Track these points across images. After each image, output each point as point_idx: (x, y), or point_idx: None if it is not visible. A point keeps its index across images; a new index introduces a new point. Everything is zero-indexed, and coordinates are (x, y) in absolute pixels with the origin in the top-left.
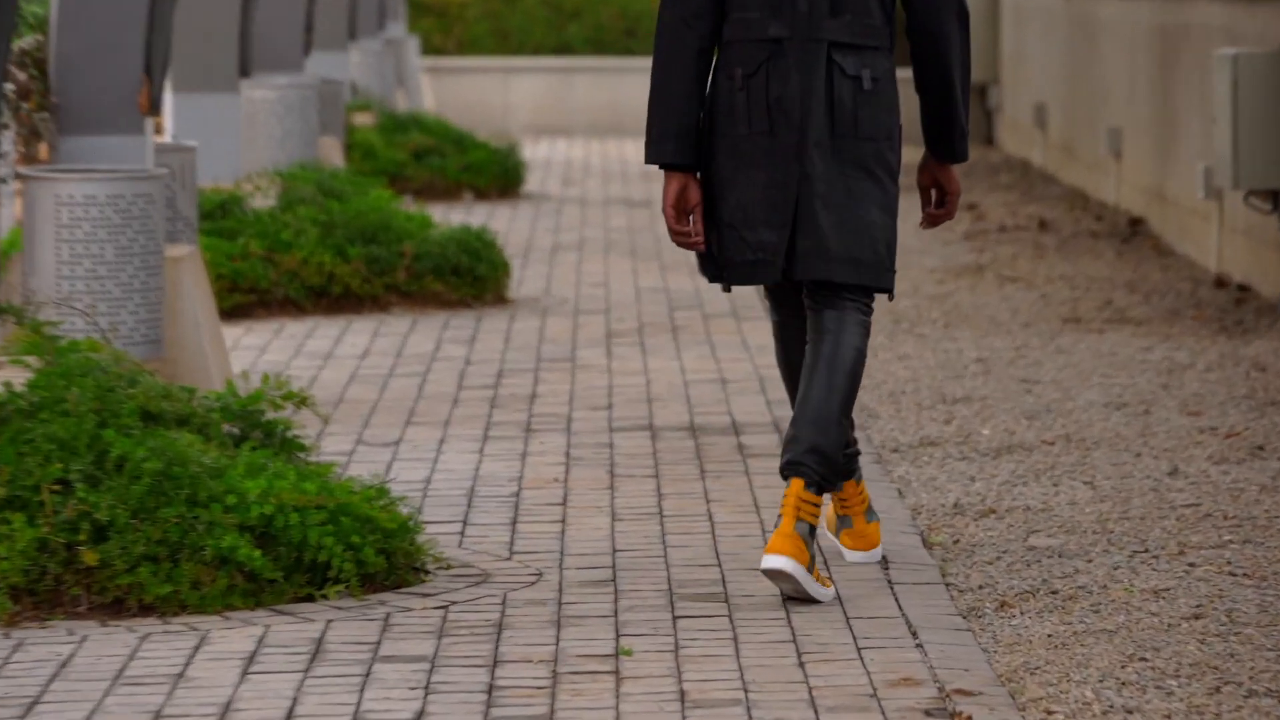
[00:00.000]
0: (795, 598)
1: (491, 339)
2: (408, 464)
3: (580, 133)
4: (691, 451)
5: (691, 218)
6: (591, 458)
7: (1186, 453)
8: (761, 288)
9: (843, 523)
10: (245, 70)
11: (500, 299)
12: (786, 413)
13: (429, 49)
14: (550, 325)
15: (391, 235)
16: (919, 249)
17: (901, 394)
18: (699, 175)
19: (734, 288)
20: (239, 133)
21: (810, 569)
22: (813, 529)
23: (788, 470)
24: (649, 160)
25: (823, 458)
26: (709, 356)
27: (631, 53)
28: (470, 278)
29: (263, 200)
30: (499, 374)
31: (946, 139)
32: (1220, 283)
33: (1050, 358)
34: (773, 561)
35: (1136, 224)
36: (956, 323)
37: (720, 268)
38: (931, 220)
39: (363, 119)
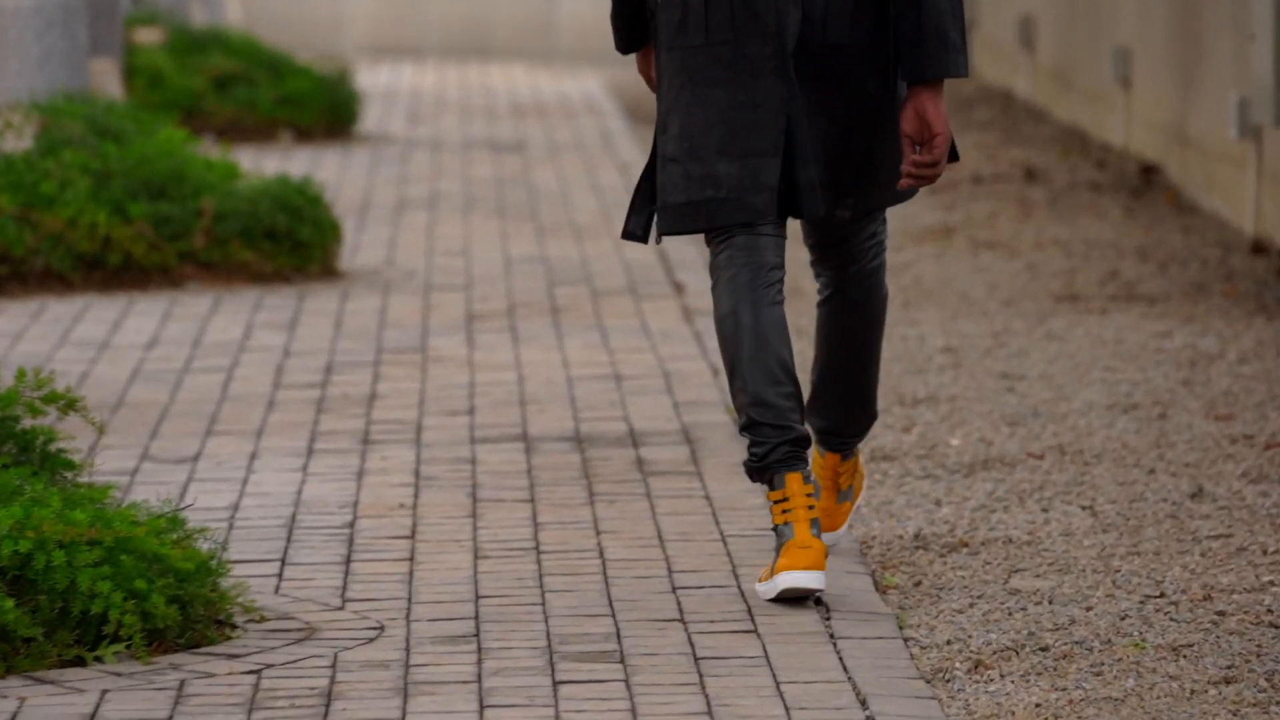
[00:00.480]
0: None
1: (318, 323)
2: (209, 486)
3: (432, 54)
4: (576, 468)
5: None
6: (448, 477)
7: (1214, 468)
8: (724, 248)
9: (780, 535)
10: None
11: (329, 271)
12: (699, 418)
13: None
14: (394, 305)
15: (186, 189)
16: None
17: None
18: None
19: (665, 239)
20: None
21: None
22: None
23: (827, 440)
24: (619, 49)
25: (867, 424)
26: (599, 346)
27: None
28: (289, 244)
29: (15, 141)
30: (327, 368)
31: (919, 47)
32: (1258, 248)
33: (1039, 346)
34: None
35: (1150, 173)
36: (918, 301)
37: (652, 212)
38: (913, 175)
39: (148, 35)
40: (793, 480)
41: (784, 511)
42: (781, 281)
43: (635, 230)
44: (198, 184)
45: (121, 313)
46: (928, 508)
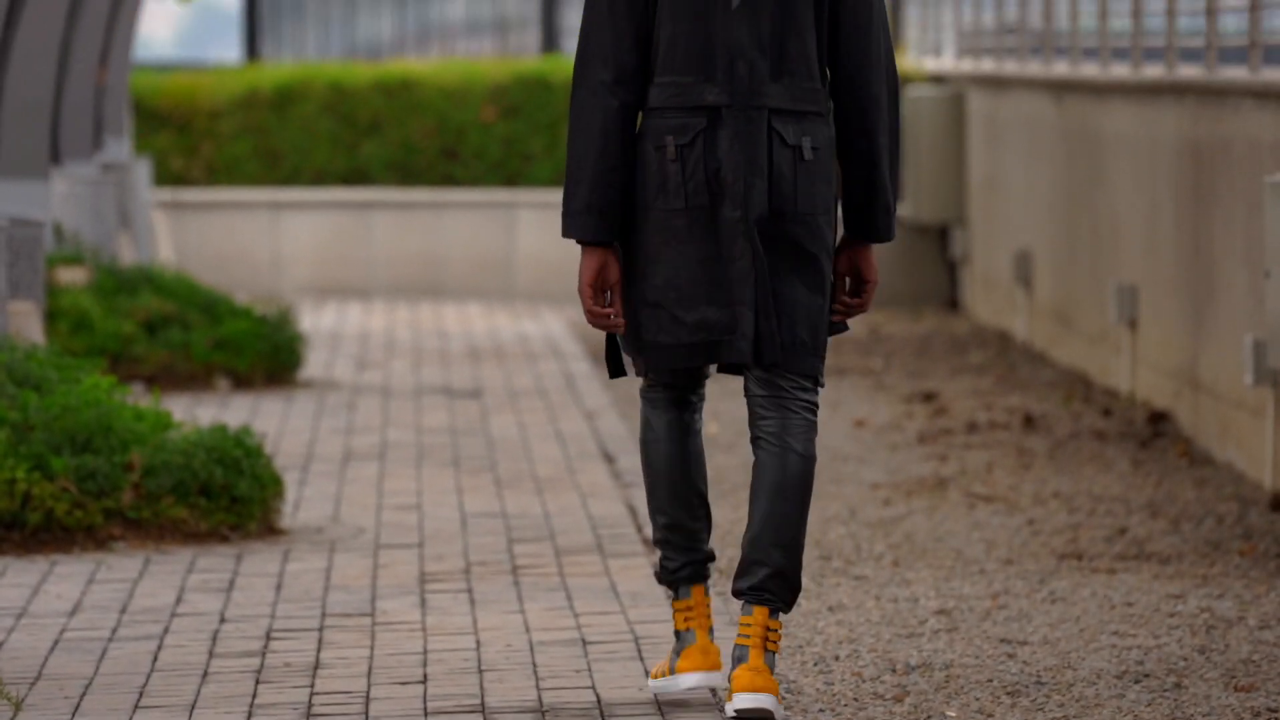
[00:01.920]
0: None
1: (257, 585)
2: None
3: (381, 294)
4: None
5: (610, 295)
6: None
7: None
8: (655, 386)
9: (681, 639)
10: None
11: (269, 529)
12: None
13: (166, 176)
14: (340, 565)
15: (114, 441)
16: (856, 457)
17: (834, 660)
18: (617, 250)
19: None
20: None
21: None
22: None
23: (751, 597)
24: (566, 234)
25: (789, 582)
26: (563, 608)
27: (453, 181)
28: (226, 500)
29: None
30: (267, 635)
31: (869, 214)
32: (1278, 503)
33: (1041, 609)
34: (756, 701)
35: (1159, 421)
36: (909, 560)
37: (640, 351)
38: (844, 311)
39: (72, 275)
40: (697, 591)
41: (686, 619)
42: (701, 410)
43: (619, 370)
44: (126, 436)
45: (42, 576)
46: None
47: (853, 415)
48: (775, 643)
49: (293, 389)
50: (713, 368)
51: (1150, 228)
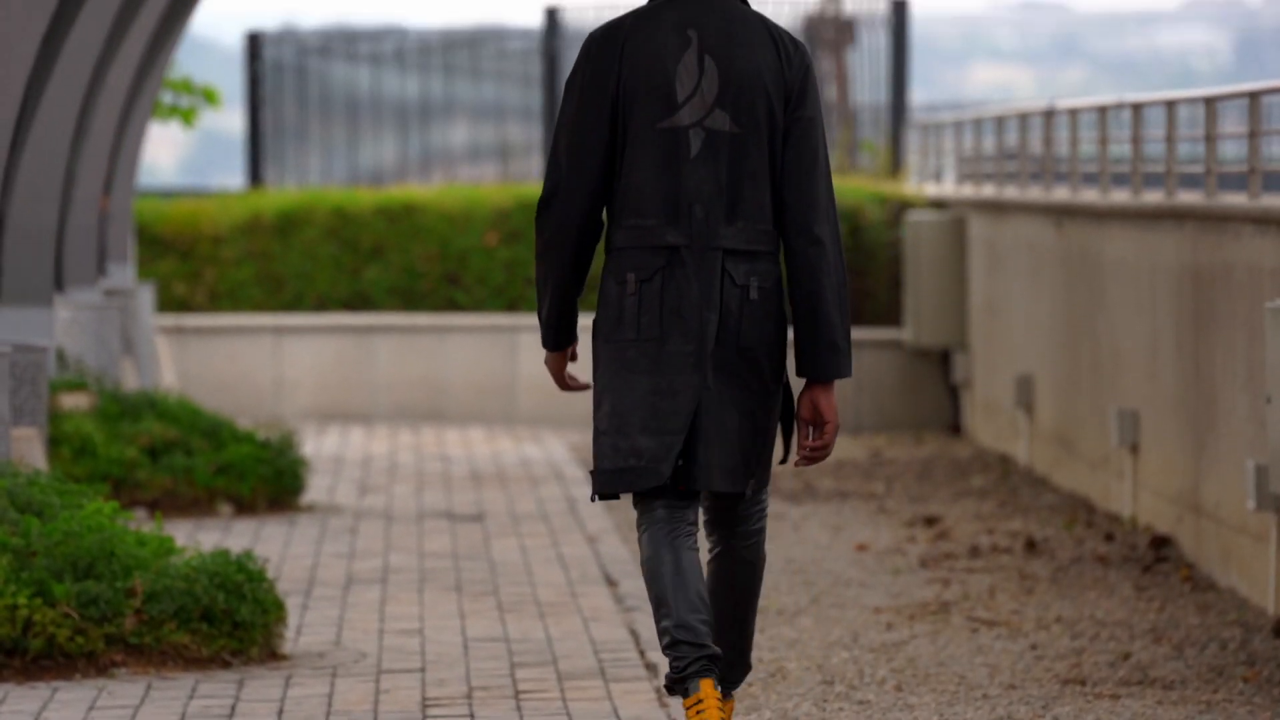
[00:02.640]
0: None
1: (259, 711)
2: None
3: (384, 418)
4: None
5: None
6: None
7: None
8: (649, 512)
9: None
10: None
11: (271, 654)
12: None
13: (169, 302)
14: (342, 691)
15: (116, 566)
16: (859, 581)
17: None
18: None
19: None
20: None
21: None
22: None
23: (703, 673)
24: (545, 346)
25: (742, 668)
26: None
27: (456, 306)
28: (228, 625)
29: None
30: None
31: (815, 352)
32: None
33: None
34: None
35: (1162, 545)
36: (912, 685)
37: (592, 475)
38: (807, 457)
39: (74, 401)
40: (706, 684)
41: (698, 713)
42: (695, 534)
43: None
44: (128, 561)
45: (43, 703)
46: None
47: (855, 539)
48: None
49: (295, 513)
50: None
51: (1151, 352)
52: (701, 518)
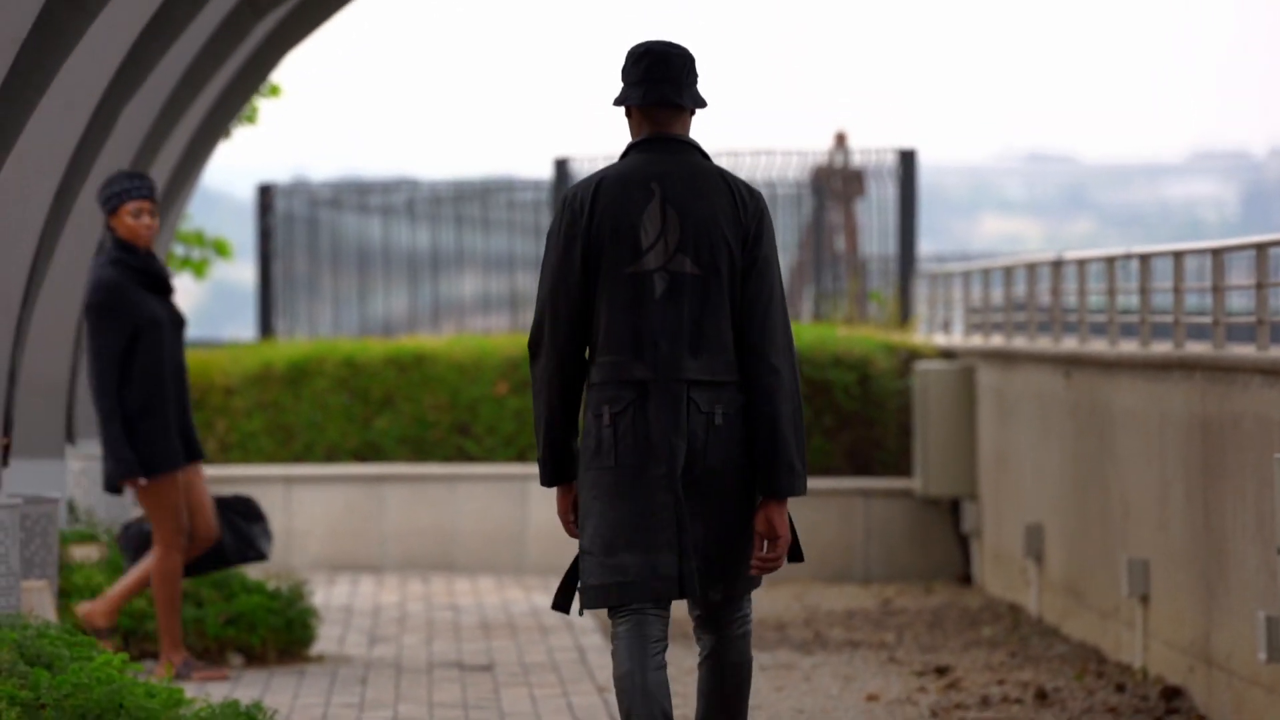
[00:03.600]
0: None
1: None
2: None
3: (394, 568)
4: None
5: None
6: None
7: None
8: (621, 624)
9: None
10: None
11: None
12: None
13: None
14: None
15: (125, 719)
16: None
17: None
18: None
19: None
20: None
21: None
22: None
23: None
24: (542, 483)
25: None
26: None
27: (466, 456)
28: None
29: None
30: None
31: (772, 471)
32: None
33: None
34: None
35: (1173, 697)
36: None
37: (580, 591)
38: (759, 567)
39: (85, 553)
40: None
41: None
42: (665, 650)
43: (562, 605)
44: (138, 714)
45: None
46: None
47: (866, 689)
48: None
49: (305, 664)
50: (676, 611)
51: (1161, 503)
52: (692, 623)
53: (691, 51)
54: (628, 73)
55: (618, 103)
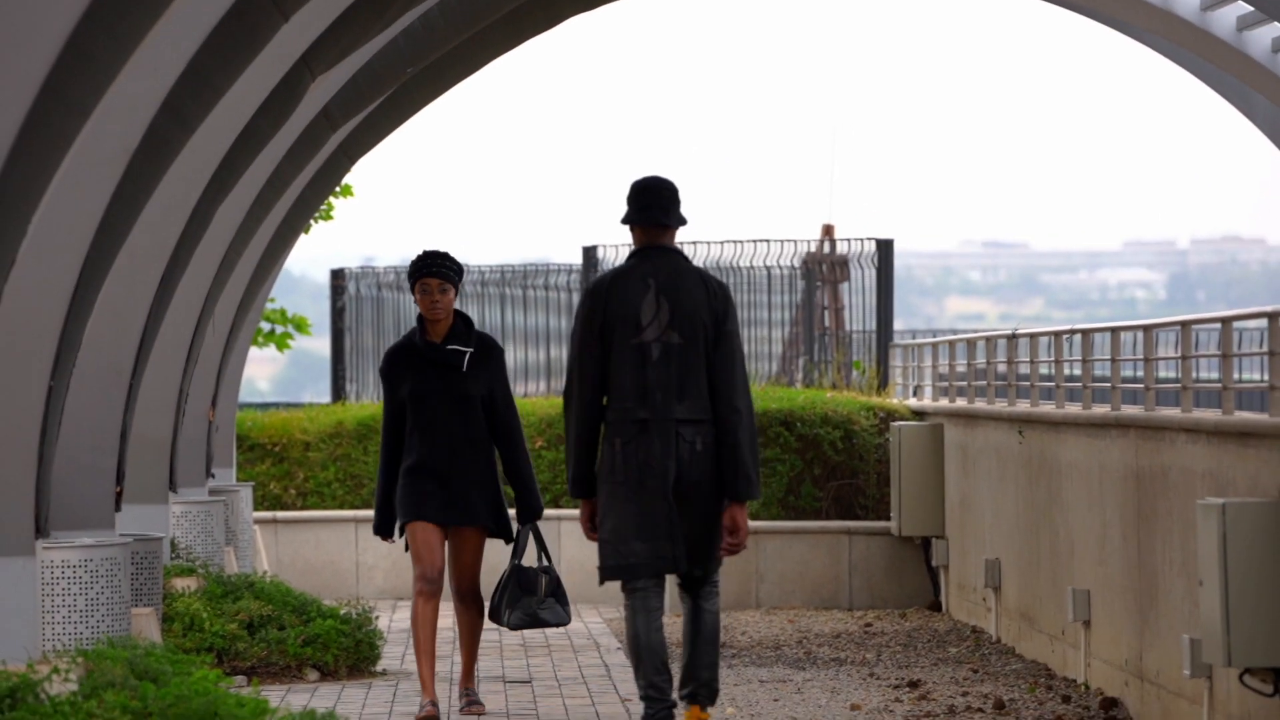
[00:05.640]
0: None
1: None
2: None
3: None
4: None
5: (595, 524)
6: None
7: None
8: (632, 596)
9: None
10: (42, 529)
11: None
12: None
13: (265, 499)
14: None
15: None
16: None
17: None
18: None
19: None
20: (37, 603)
21: None
22: None
23: (689, 700)
24: (571, 495)
25: (712, 689)
26: None
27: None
28: None
29: (62, 685)
30: None
31: (734, 481)
32: None
33: None
34: None
35: (1111, 706)
36: None
37: (601, 569)
38: (726, 550)
39: (185, 584)
40: None
41: None
42: (661, 613)
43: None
44: (228, 719)
45: None
46: None
47: (849, 700)
48: None
49: (372, 679)
50: (671, 587)
51: (1101, 541)
52: (679, 587)
53: (676, 184)
54: (630, 200)
55: (624, 222)
